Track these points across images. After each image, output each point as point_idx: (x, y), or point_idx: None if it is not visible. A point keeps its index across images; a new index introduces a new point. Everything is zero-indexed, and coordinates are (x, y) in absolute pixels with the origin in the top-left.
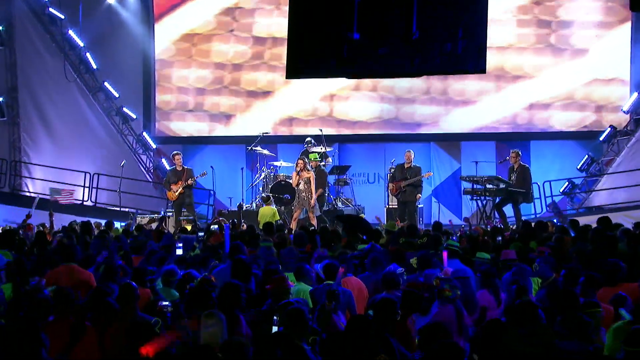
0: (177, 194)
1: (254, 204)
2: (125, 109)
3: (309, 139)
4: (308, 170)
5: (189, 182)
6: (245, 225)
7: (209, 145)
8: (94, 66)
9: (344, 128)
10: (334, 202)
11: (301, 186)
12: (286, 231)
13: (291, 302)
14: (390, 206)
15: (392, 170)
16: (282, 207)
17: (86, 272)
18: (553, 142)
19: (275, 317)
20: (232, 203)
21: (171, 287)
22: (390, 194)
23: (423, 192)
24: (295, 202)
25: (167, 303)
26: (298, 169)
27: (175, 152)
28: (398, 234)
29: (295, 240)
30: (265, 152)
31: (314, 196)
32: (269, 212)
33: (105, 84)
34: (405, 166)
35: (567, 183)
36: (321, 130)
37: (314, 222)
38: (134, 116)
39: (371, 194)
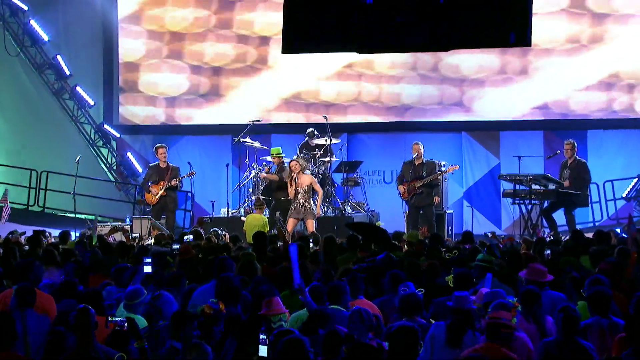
0: (157, 196)
1: (242, 210)
2: (80, 90)
3: (311, 129)
4: (307, 174)
5: (173, 182)
6: (227, 236)
7: (185, 136)
8: (43, 37)
9: (354, 114)
10: (341, 206)
11: (299, 195)
12: (281, 244)
13: (290, 331)
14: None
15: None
16: (278, 214)
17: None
18: (617, 131)
19: (262, 337)
20: (216, 208)
21: (136, 313)
22: (401, 197)
23: (453, 194)
24: (291, 210)
25: (120, 318)
26: (293, 174)
27: (159, 144)
28: (424, 246)
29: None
30: (256, 144)
31: (319, 203)
32: (257, 221)
33: (58, 57)
34: (416, 162)
35: (635, 181)
36: (325, 118)
37: (312, 227)
38: (91, 102)
39: (388, 197)
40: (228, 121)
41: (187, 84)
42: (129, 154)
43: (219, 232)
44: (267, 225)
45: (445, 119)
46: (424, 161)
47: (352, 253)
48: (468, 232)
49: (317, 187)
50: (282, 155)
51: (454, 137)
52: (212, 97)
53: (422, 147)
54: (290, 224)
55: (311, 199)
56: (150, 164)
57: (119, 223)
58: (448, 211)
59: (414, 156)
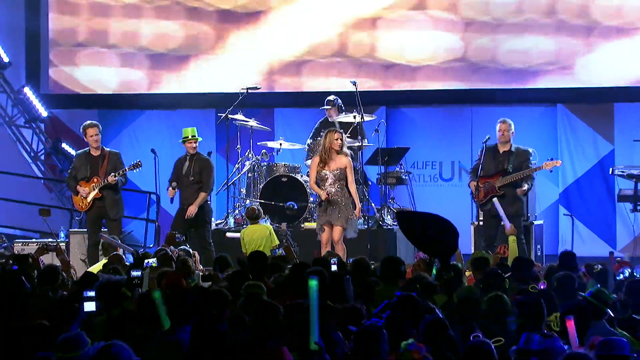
0: (90, 198)
1: (232, 219)
2: None
3: (332, 98)
4: (344, 154)
5: (111, 179)
6: (197, 256)
7: (147, 110)
8: None
9: (396, 79)
10: (377, 214)
11: (332, 186)
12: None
13: None
14: (481, 222)
15: (484, 154)
16: (285, 225)
17: None
18: None
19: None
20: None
21: None
22: (473, 199)
23: (544, 196)
24: (319, 214)
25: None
26: (328, 153)
27: (88, 122)
28: (495, 276)
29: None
30: (252, 123)
31: (357, 201)
32: (260, 234)
33: None
34: (501, 149)
35: None
36: (355, 84)
37: (342, 250)
38: (6, 59)
39: (447, 201)
40: (211, 89)
41: (152, 33)
42: (64, 144)
43: (187, 249)
44: (274, 236)
45: (533, 86)
46: (513, 148)
47: (390, 284)
48: (568, 252)
49: (351, 174)
50: (197, 138)
51: (546, 113)
52: (189, 53)
53: (512, 127)
54: (324, 234)
55: (345, 190)
56: (77, 152)
57: (51, 240)
58: (536, 222)
59: (499, 140)
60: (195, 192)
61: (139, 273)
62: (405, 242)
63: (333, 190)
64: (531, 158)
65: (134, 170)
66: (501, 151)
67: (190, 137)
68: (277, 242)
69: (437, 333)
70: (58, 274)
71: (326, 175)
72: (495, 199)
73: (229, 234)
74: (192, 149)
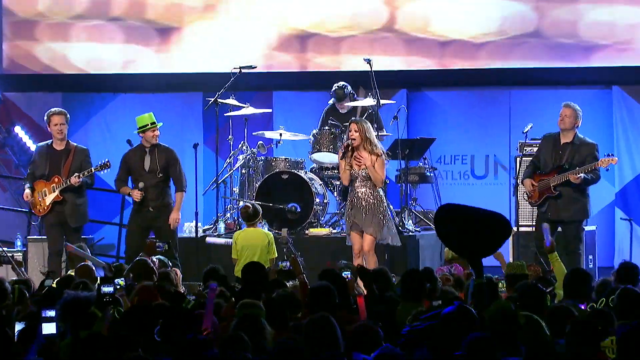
0: (50, 201)
1: (222, 225)
2: None
3: (341, 84)
4: (374, 146)
5: (74, 180)
6: (179, 274)
7: (121, 94)
8: None
9: (420, 56)
10: (398, 218)
11: (360, 185)
12: (295, 282)
13: None
14: (521, 229)
15: (527, 146)
16: (286, 232)
17: None
18: None
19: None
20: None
21: None
22: (527, 200)
23: (598, 197)
24: (348, 214)
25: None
26: (353, 142)
27: (55, 109)
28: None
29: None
30: (247, 109)
31: (384, 200)
32: (257, 240)
33: None
34: (562, 140)
35: None
36: (369, 62)
37: (373, 262)
38: None
39: (479, 202)
40: (197, 68)
41: (127, 0)
42: (17, 128)
43: (165, 262)
44: (274, 246)
45: (585, 64)
46: (577, 138)
47: (411, 301)
48: (628, 264)
49: (382, 173)
50: (156, 124)
51: (598, 96)
52: (171, 24)
53: (578, 114)
54: (355, 242)
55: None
56: (38, 145)
57: (4, 249)
58: (588, 228)
59: (561, 128)
60: (163, 192)
61: (111, 289)
62: (431, 251)
63: (365, 194)
64: (597, 153)
65: (101, 172)
66: (562, 142)
67: (149, 124)
68: (275, 254)
69: (484, 355)
70: (6, 291)
71: (355, 174)
72: (545, 225)
73: (209, 239)
74: (154, 139)
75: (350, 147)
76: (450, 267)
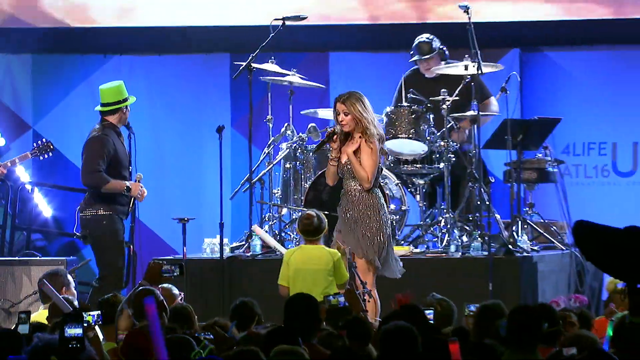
0: None
1: (257, 242)
2: None
3: (426, 38)
4: (367, 128)
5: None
6: (182, 297)
7: (116, 55)
8: None
9: (536, 4)
10: (504, 231)
11: (350, 186)
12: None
13: None
14: None
15: None
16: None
17: None
18: None
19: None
20: (194, 235)
21: None
22: None
23: None
24: (338, 225)
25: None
26: (343, 127)
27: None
28: None
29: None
30: (293, 77)
31: (382, 213)
32: (318, 260)
33: None
34: None
35: None
36: (467, 10)
37: (369, 276)
38: None
39: (624, 207)
40: (222, 20)
41: None
42: None
43: (176, 292)
44: (344, 271)
45: None
46: None
47: (522, 350)
48: None
49: (369, 164)
50: (130, 99)
51: None
52: None
53: None
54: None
55: (377, 191)
56: None
57: None
58: None
59: None
60: None
61: (79, 331)
62: (555, 279)
63: (351, 190)
64: None
65: (41, 157)
66: None
67: (128, 98)
68: (346, 277)
69: None
70: None
71: (343, 168)
72: None
73: (256, 230)
74: (121, 118)
75: (335, 136)
76: (568, 299)
